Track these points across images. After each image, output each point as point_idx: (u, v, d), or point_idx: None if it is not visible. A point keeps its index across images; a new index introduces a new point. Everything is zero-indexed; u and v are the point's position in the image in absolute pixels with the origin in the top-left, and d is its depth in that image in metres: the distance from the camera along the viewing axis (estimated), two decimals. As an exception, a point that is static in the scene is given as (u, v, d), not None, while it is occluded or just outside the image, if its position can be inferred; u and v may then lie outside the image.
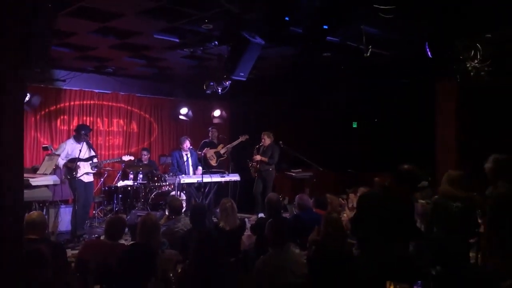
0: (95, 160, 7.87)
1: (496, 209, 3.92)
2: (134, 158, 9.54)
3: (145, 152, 10.17)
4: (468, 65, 6.51)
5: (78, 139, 7.72)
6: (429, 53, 6.45)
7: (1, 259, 3.24)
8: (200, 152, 9.52)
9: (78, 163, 7.45)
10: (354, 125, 11.06)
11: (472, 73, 6.55)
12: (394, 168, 4.05)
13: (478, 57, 6.47)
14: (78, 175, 7.50)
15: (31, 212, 4.49)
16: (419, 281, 3.54)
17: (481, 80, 6.51)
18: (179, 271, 3.77)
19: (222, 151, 9.79)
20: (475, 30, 6.24)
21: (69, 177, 7.50)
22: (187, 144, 9.24)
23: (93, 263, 3.98)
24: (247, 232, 6.11)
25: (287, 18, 5.72)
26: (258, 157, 9.09)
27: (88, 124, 9.56)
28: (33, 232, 4.07)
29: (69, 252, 5.18)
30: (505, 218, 3.84)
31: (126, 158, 8.91)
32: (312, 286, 3.88)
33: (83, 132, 7.74)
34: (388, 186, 4.04)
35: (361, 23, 6.33)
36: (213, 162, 9.70)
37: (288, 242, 4.26)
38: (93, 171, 7.93)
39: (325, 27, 6.03)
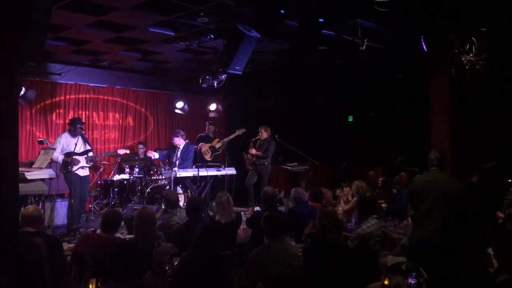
0: (90, 154, 7.85)
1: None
2: (130, 152, 9.53)
3: (141, 146, 10.16)
4: (463, 59, 6.53)
5: (73, 133, 7.70)
6: (424, 46, 6.48)
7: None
8: (196, 146, 9.50)
9: (74, 157, 7.44)
10: (350, 119, 11.10)
11: (467, 67, 6.58)
12: (388, 162, 4.18)
13: (473, 50, 6.50)
14: (74, 169, 7.48)
15: (27, 206, 4.49)
16: (413, 273, 3.54)
17: (476, 73, 6.54)
18: (175, 263, 3.79)
19: (217, 146, 9.73)
20: (470, 24, 6.26)
21: (64, 171, 7.49)
22: (177, 140, 9.06)
23: (89, 256, 3.99)
24: (243, 226, 6.14)
25: (282, 11, 5.71)
26: (253, 151, 9.09)
27: (83, 118, 9.54)
28: (30, 225, 4.08)
29: (65, 246, 5.17)
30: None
31: (121, 151, 8.88)
32: (307, 278, 3.91)
33: (78, 126, 7.73)
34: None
35: (356, 16, 6.34)
36: (208, 157, 9.61)
37: (284, 235, 4.29)
38: (89, 165, 7.92)
39: (321, 20, 6.04)
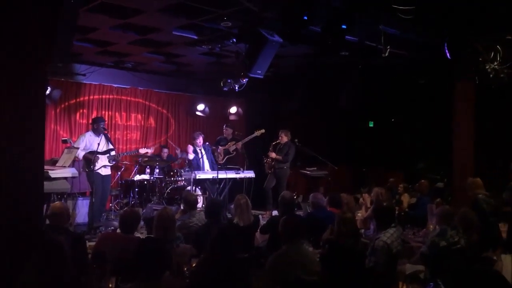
0: (112, 153, 7.97)
1: None
2: (153, 152, 9.64)
3: (165, 150, 10.28)
4: (487, 67, 6.45)
5: (96, 132, 7.83)
6: (448, 54, 6.42)
7: (23, 246, 3.35)
8: (215, 148, 9.57)
9: (96, 155, 7.56)
10: (371, 124, 11.04)
11: (491, 75, 6.50)
12: (409, 168, 4.10)
13: (498, 58, 6.42)
14: (96, 168, 7.60)
15: (55, 203, 4.62)
16: (431, 283, 3.52)
17: (500, 82, 6.45)
18: (194, 265, 3.83)
19: (231, 149, 9.66)
20: (495, 32, 6.19)
21: (87, 169, 7.61)
22: (199, 140, 9.20)
23: (109, 255, 4.06)
24: (261, 229, 6.15)
25: (305, 17, 5.73)
26: (273, 155, 9.10)
27: (106, 118, 9.67)
28: (55, 221, 4.22)
29: (86, 244, 5.27)
30: None
31: (142, 150, 8.99)
32: (324, 284, 3.90)
33: (101, 124, 7.85)
34: None
35: (379, 23, 6.32)
36: (220, 160, 9.60)
37: (302, 240, 4.29)
38: (111, 164, 8.03)
39: (344, 26, 6.03)
